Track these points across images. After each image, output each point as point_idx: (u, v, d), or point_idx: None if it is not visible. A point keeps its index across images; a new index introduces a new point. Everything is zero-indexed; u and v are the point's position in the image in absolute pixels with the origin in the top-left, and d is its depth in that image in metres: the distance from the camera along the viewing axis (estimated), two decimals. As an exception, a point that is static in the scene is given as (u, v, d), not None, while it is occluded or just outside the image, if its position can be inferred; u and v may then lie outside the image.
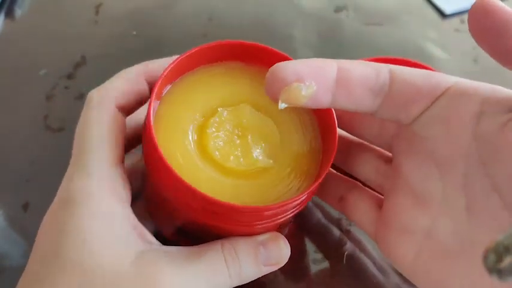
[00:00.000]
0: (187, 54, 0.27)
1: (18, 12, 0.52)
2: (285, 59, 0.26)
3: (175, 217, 0.27)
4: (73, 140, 0.27)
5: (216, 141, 0.26)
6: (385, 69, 0.23)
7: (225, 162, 0.25)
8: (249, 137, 0.27)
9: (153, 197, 0.28)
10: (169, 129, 0.26)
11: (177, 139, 0.26)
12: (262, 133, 0.27)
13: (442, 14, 0.51)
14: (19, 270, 0.33)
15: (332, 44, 0.48)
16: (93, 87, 0.46)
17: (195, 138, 0.26)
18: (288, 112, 0.28)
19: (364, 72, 0.23)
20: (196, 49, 0.27)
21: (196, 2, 0.35)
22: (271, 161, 0.26)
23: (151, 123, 0.24)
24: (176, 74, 0.27)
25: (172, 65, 0.26)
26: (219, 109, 0.27)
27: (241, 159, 0.26)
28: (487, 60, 0.51)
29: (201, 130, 0.26)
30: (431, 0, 0.53)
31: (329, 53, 0.47)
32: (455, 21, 0.51)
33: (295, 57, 0.24)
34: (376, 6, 0.53)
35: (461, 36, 0.49)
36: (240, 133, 0.27)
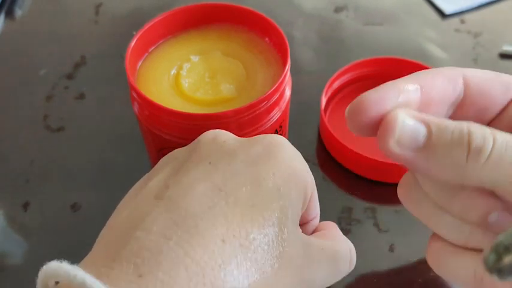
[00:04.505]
0: (165, 16, 0.33)
1: (18, 12, 0.52)
2: (251, 13, 0.33)
3: (158, 146, 0.31)
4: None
5: (188, 80, 0.31)
6: (459, 78, 0.21)
7: (194, 93, 0.31)
8: (218, 76, 0.32)
9: (147, 143, 0.33)
10: (151, 77, 0.32)
11: (157, 83, 0.32)
12: (231, 73, 0.32)
13: (442, 14, 0.51)
14: (19, 269, 0.33)
15: (332, 44, 0.48)
16: (93, 87, 0.46)
17: (172, 80, 0.32)
18: (255, 53, 0.33)
19: (444, 88, 0.20)
20: (176, 10, 0.33)
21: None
22: (234, 91, 0.31)
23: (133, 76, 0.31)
24: (155, 37, 0.33)
25: (149, 26, 0.32)
26: (191, 56, 0.32)
27: (209, 91, 0.31)
28: (487, 60, 0.51)
29: (176, 74, 0.32)
30: (431, 0, 0.53)
31: (329, 53, 0.47)
32: (455, 21, 0.51)
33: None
34: (376, 6, 0.53)
35: (461, 36, 0.49)
36: (210, 74, 0.32)
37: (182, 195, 0.20)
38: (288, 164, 0.22)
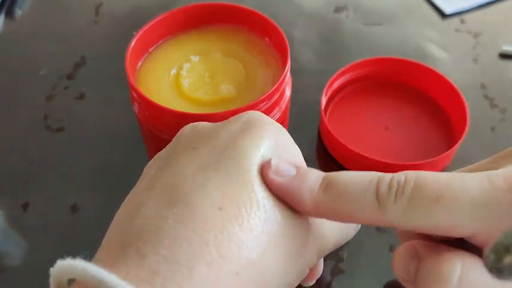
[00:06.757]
0: (163, 17, 0.33)
1: (18, 12, 0.52)
2: (251, 13, 0.33)
3: (158, 146, 0.31)
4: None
5: (188, 80, 0.31)
6: None
7: (194, 93, 0.31)
8: (218, 76, 0.32)
9: (147, 143, 0.34)
10: (151, 77, 0.32)
11: (157, 83, 0.32)
12: (231, 73, 0.32)
13: (442, 14, 0.51)
14: (19, 270, 0.33)
15: (332, 44, 0.48)
16: (93, 87, 0.46)
17: (172, 80, 0.32)
18: (255, 54, 0.33)
19: None
20: (176, 10, 0.33)
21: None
22: (234, 91, 0.31)
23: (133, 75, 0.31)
24: (155, 37, 0.34)
25: (148, 27, 0.32)
26: (191, 56, 0.33)
27: (209, 91, 0.31)
28: (487, 60, 0.51)
29: (176, 74, 0.32)
30: (431, 0, 0.53)
31: (329, 53, 0.47)
32: (455, 21, 0.51)
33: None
34: (376, 6, 0.53)
35: (461, 36, 0.49)
36: (210, 74, 0.32)
37: (173, 180, 0.20)
38: (273, 135, 0.22)
